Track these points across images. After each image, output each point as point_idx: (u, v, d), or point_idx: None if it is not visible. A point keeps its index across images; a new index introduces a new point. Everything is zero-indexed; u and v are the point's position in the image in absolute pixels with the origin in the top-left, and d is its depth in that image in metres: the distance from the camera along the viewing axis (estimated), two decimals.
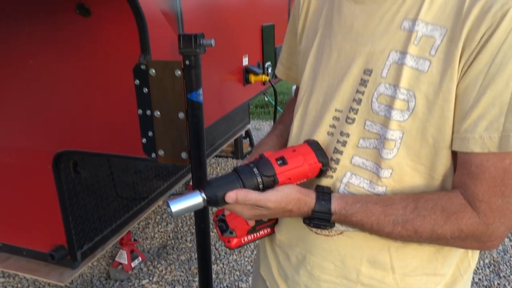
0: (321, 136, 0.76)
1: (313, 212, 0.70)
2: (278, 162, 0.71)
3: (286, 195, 0.69)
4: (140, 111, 1.42)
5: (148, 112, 1.41)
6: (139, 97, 1.40)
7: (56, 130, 1.59)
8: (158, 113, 1.39)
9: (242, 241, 0.82)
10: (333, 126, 0.75)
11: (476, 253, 0.80)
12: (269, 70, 2.58)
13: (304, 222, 0.74)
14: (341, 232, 0.75)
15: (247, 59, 2.23)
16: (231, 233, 0.80)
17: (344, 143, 0.73)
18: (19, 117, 1.62)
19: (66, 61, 1.47)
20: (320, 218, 0.70)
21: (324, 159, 0.73)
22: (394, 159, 0.68)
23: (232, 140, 3.80)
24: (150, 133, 1.44)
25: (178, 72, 1.31)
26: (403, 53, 0.65)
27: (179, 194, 0.70)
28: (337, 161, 0.74)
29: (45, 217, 1.76)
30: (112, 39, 1.38)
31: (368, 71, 0.69)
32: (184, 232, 2.91)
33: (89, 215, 1.86)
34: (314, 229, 0.77)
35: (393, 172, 0.69)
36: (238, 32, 2.12)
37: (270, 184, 0.71)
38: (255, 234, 0.84)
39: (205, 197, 0.68)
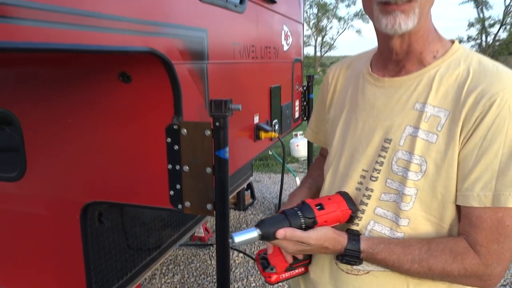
0: (350, 190, 0.92)
1: (345, 250, 0.85)
2: (317, 207, 0.88)
3: (324, 234, 0.85)
4: (170, 166, 1.56)
5: (177, 167, 1.55)
6: (170, 154, 1.55)
7: (88, 182, 1.72)
8: (187, 168, 1.53)
9: (281, 277, 0.95)
10: (360, 183, 0.91)
11: None
12: (276, 127, 2.77)
13: (337, 258, 0.88)
14: (368, 271, 0.88)
15: (257, 117, 2.42)
16: (271, 269, 0.94)
17: (368, 197, 0.89)
18: (56, 169, 1.75)
19: (103, 120, 1.63)
20: (351, 256, 0.85)
21: (353, 207, 0.90)
22: (410, 211, 0.84)
23: (235, 192, 3.91)
24: (178, 186, 1.57)
25: (208, 132, 1.47)
26: (416, 128, 0.83)
27: (240, 230, 0.86)
28: (363, 211, 0.89)
29: (67, 266, 1.84)
30: (147, 102, 1.56)
31: (388, 140, 0.87)
32: (191, 284, 2.94)
33: (108, 264, 1.94)
34: (345, 268, 0.90)
35: (409, 221, 0.84)
36: (251, 93, 2.33)
37: (311, 225, 0.87)
38: (291, 272, 0.98)
39: (260, 233, 0.85)
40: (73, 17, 1.09)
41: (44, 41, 1.03)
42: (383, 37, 0.86)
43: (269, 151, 3.73)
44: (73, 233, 1.77)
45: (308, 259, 0.99)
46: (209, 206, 1.54)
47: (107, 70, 1.54)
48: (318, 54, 32.26)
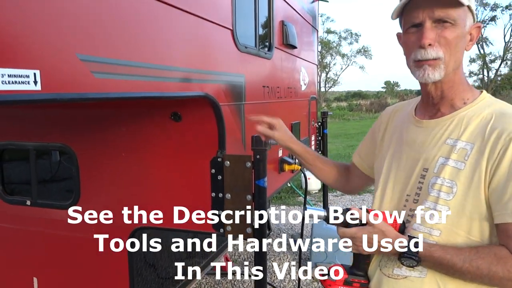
0: (397, 211, 1.13)
1: (407, 248, 1.02)
2: (373, 211, 1.10)
3: (386, 225, 1.07)
4: (213, 194, 1.77)
5: (220, 195, 1.76)
6: (214, 183, 1.76)
7: (138, 208, 1.92)
8: (229, 195, 1.74)
9: None
10: (405, 205, 1.12)
11: None
12: (297, 160, 2.98)
13: (398, 258, 1.04)
14: (406, 276, 1.07)
15: (281, 151, 2.65)
16: (331, 278, 1.13)
17: (412, 216, 1.09)
18: (107, 198, 1.96)
19: (153, 154, 1.86)
20: (411, 253, 1.01)
21: (403, 222, 1.10)
22: (441, 224, 1.03)
23: None
24: (220, 212, 1.77)
25: (248, 164, 1.69)
26: (447, 158, 1.04)
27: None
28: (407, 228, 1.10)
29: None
30: (195, 138, 1.78)
31: (425, 169, 1.08)
32: None
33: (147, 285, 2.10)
34: (386, 273, 1.09)
35: (441, 233, 1.03)
36: None
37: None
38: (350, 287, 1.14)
39: (326, 214, 1.11)
40: (151, 71, 1.33)
41: (120, 91, 1.27)
42: (423, 85, 1.12)
43: (288, 183, 3.92)
44: (119, 257, 1.94)
45: (366, 279, 1.16)
46: (248, 230, 1.73)
47: (161, 110, 1.78)
48: (323, 89, 32.97)
